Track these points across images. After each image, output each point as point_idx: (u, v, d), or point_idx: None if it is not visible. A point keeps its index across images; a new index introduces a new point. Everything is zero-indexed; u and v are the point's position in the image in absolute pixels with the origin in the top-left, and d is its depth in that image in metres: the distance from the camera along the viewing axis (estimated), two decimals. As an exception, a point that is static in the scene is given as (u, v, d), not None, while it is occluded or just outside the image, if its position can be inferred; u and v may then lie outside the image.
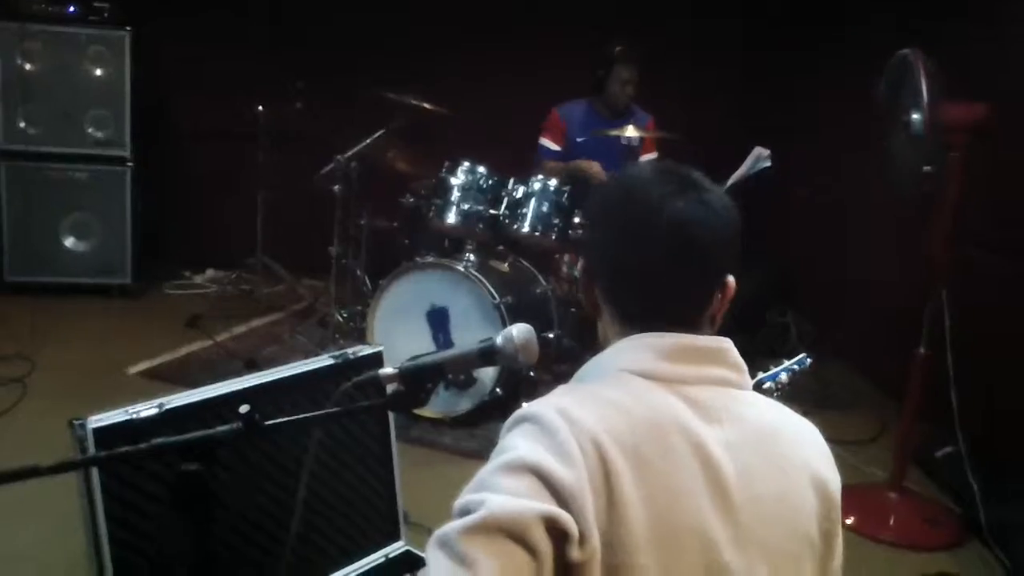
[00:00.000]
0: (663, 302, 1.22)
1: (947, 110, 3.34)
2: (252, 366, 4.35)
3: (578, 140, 4.76)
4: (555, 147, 4.78)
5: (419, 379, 1.27)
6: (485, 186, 4.12)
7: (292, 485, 2.21)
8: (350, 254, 4.74)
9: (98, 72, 5.07)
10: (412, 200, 4.57)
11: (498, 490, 1.02)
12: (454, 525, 0.99)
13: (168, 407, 2.05)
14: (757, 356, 5.04)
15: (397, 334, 3.97)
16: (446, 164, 4.17)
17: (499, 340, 1.30)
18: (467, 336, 3.86)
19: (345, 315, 4.66)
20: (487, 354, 1.29)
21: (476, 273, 3.85)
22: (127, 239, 5.27)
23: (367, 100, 4.38)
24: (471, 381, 3.83)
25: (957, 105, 3.33)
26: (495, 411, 3.97)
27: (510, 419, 1.14)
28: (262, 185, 5.07)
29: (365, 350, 2.56)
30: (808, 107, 5.10)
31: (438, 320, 3.92)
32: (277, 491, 2.21)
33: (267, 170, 5.05)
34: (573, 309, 4.42)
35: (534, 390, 4.12)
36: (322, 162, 4.52)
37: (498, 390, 3.87)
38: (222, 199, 5.69)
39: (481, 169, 4.14)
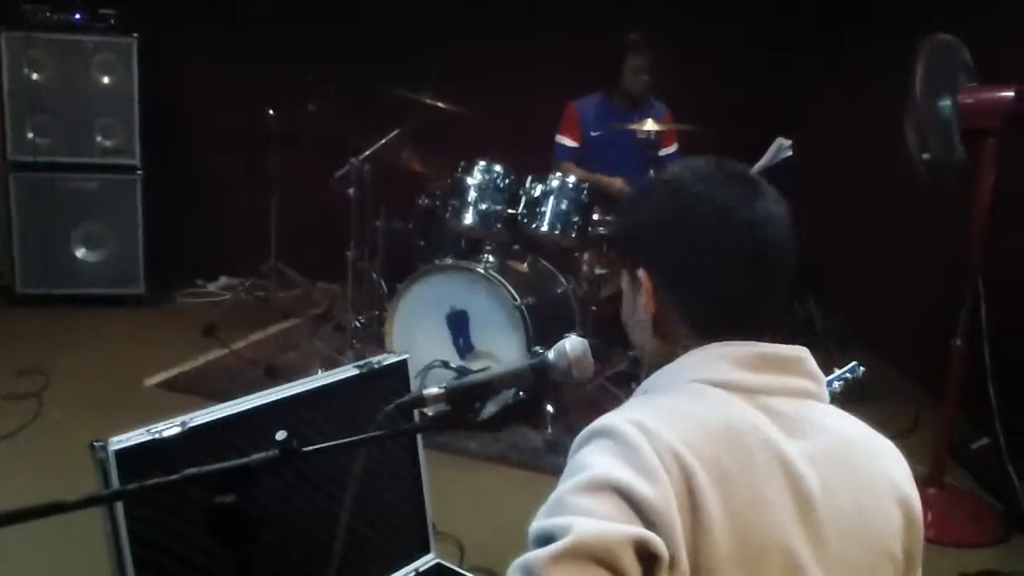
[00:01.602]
0: (739, 309, 1.16)
1: (978, 96, 3.26)
2: (272, 374, 4.30)
3: (593, 134, 4.69)
4: (572, 143, 4.71)
5: (466, 399, 1.19)
6: (502, 185, 4.04)
7: (323, 501, 2.14)
8: (366, 257, 4.67)
9: (106, 80, 5.00)
10: (427, 201, 4.50)
11: (581, 512, 0.95)
12: (539, 554, 0.92)
13: (191, 425, 1.98)
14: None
15: (417, 338, 3.89)
16: (462, 164, 4.10)
17: (551, 355, 1.22)
18: (488, 339, 3.80)
19: (363, 320, 4.58)
20: (539, 370, 1.21)
21: (496, 274, 3.78)
22: (139, 248, 5.21)
23: (380, 100, 4.30)
24: (494, 385, 3.75)
25: (988, 90, 3.25)
26: (520, 415, 3.90)
27: (581, 434, 1.07)
28: (274, 189, 5.00)
29: (390, 358, 2.49)
30: (831, 94, 5.00)
31: (458, 323, 3.84)
32: (309, 507, 2.14)
33: (279, 174, 4.97)
34: (594, 308, 4.35)
35: (558, 393, 4.05)
36: (335, 165, 4.45)
37: (522, 393, 3.79)
38: (234, 205, 5.63)
39: (497, 168, 4.06)
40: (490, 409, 3.82)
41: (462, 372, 3.75)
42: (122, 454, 1.84)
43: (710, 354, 1.13)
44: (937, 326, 3.41)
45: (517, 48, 5.35)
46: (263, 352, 4.68)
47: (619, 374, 4.21)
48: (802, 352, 1.16)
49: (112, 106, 5.03)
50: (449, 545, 2.83)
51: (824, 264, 5.15)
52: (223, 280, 5.87)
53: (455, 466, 3.54)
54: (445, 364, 3.74)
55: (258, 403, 2.11)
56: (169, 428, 1.95)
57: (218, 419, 2.04)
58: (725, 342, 1.14)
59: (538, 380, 1.21)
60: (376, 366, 2.43)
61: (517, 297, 3.71)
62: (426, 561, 2.56)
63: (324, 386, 2.28)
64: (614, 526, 0.93)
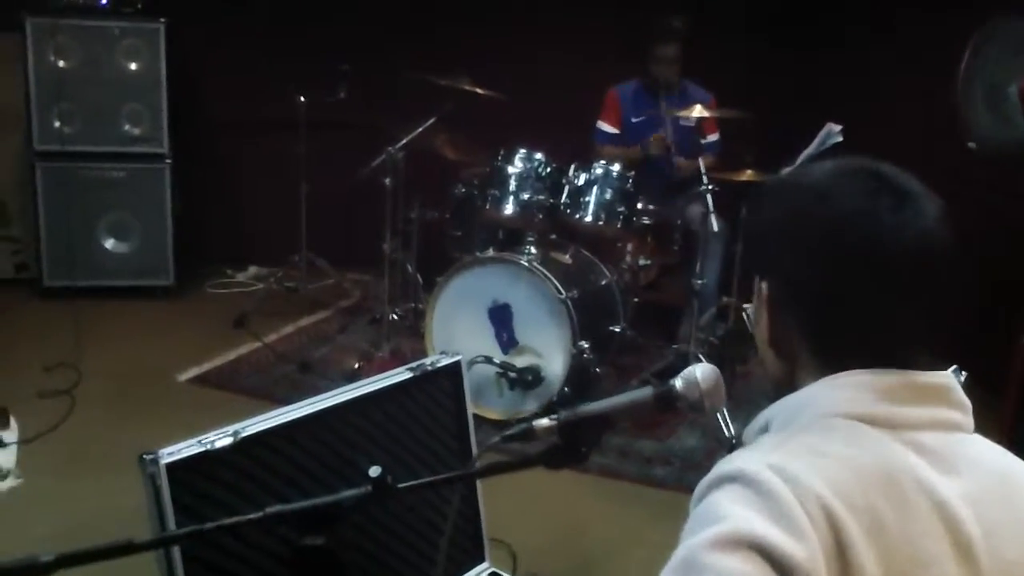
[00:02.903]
0: (875, 334, 1.01)
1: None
2: (306, 369, 4.20)
3: (633, 120, 4.58)
4: (612, 129, 4.60)
5: (579, 432, 1.06)
6: (543, 173, 3.92)
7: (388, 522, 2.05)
8: (400, 248, 4.54)
9: (132, 66, 4.87)
10: (464, 190, 4.37)
11: (717, 574, 0.83)
12: None
13: (244, 435, 1.87)
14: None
15: (457, 333, 3.78)
16: (501, 152, 3.97)
17: (679, 384, 1.09)
18: (532, 333, 3.68)
19: (399, 313, 4.46)
20: (665, 400, 1.08)
21: (539, 267, 3.65)
22: (167, 238, 5.10)
23: (414, 86, 4.17)
24: (538, 380, 3.64)
25: None
26: (563, 411, 3.77)
27: (710, 478, 0.93)
28: (304, 178, 4.88)
29: (443, 360, 2.38)
30: (873, 81, 4.83)
31: (501, 317, 3.72)
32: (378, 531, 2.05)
33: (309, 162, 4.85)
34: (636, 299, 4.23)
35: (601, 387, 3.93)
36: (366, 152, 4.33)
37: (566, 389, 3.67)
38: (263, 194, 5.50)
39: (539, 156, 3.93)
40: (532, 406, 3.71)
41: (506, 367, 3.64)
42: (173, 467, 1.74)
43: (848, 383, 0.99)
44: (990, 323, 3.27)
45: (554, 32, 5.20)
46: (295, 346, 4.58)
47: (664, 369, 4.07)
48: (949, 379, 1.02)
49: (139, 93, 4.90)
50: (500, 552, 2.72)
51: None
52: (252, 270, 5.76)
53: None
54: (488, 359, 3.63)
55: (309, 410, 2.01)
56: (220, 438, 1.84)
57: (270, 428, 1.93)
58: (865, 370, 0.99)
59: (661, 410, 1.08)
60: (429, 368, 2.33)
61: (562, 290, 3.59)
62: (482, 570, 2.47)
63: (376, 391, 2.18)
64: None
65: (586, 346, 3.63)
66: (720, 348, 4.21)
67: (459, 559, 2.42)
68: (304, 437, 2.00)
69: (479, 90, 4.08)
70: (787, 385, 1.05)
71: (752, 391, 4.26)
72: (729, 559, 0.83)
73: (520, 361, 3.66)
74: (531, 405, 3.69)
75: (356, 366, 4.14)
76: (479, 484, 2.49)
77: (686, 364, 3.86)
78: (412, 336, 4.38)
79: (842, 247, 1.00)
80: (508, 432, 1.13)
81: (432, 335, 3.85)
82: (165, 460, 1.73)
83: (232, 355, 4.41)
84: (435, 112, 4.22)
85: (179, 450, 1.77)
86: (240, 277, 5.70)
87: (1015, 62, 2.97)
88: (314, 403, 2.03)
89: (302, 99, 4.73)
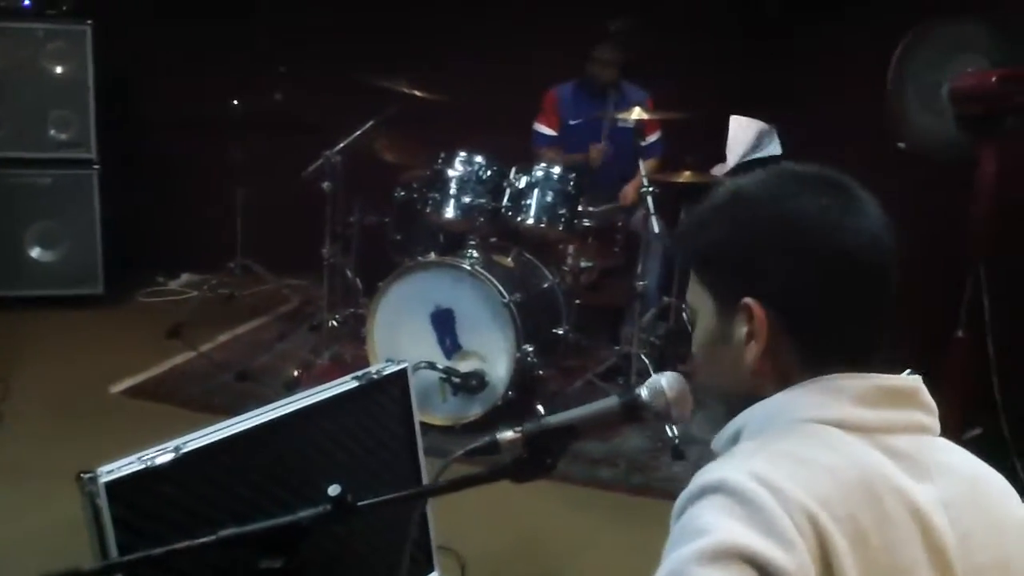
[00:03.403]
0: (854, 336, 1.02)
1: (960, 79, 3.19)
2: (244, 378, 4.11)
3: (571, 123, 4.58)
4: (549, 132, 4.60)
5: (546, 443, 1.04)
6: (484, 176, 3.90)
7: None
8: (339, 253, 4.48)
9: (59, 70, 4.73)
10: (404, 194, 4.33)
11: None
12: None
13: (185, 450, 1.81)
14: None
15: (400, 338, 3.74)
16: (442, 155, 3.93)
17: (645, 393, 1.07)
18: (476, 338, 3.65)
19: (339, 319, 4.40)
20: (630, 410, 1.06)
21: (482, 271, 3.63)
22: (97, 246, 4.95)
23: (353, 88, 4.12)
24: (483, 385, 3.61)
25: (970, 75, 3.18)
26: (508, 415, 3.76)
27: (691, 489, 0.92)
28: (240, 182, 4.78)
29: (389, 368, 2.35)
30: (810, 80, 4.90)
31: (443, 322, 3.69)
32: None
33: (245, 166, 4.76)
34: (578, 301, 4.23)
35: (545, 390, 3.92)
36: (303, 155, 4.25)
37: (511, 393, 3.66)
38: (196, 199, 5.38)
39: (479, 159, 3.91)
40: (476, 410, 3.69)
41: (449, 373, 3.60)
42: (113, 486, 1.67)
43: (822, 387, 0.99)
44: (933, 317, 3.34)
45: (495, 33, 5.18)
46: (232, 354, 4.47)
47: (608, 370, 4.09)
48: (916, 381, 1.03)
49: (66, 97, 4.76)
50: (450, 560, 2.69)
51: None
52: (185, 277, 5.64)
53: (444, 473, 3.40)
54: (431, 365, 3.59)
55: (253, 423, 1.96)
56: (161, 455, 1.78)
57: (214, 443, 1.88)
58: (838, 374, 1.00)
59: (627, 420, 1.06)
60: (375, 376, 2.29)
61: (505, 294, 3.57)
62: (430, 580, 2.44)
63: (323, 401, 2.14)
64: None
65: (530, 349, 3.62)
66: (662, 348, 4.24)
67: (408, 569, 2.39)
68: (249, 451, 1.94)
69: (419, 92, 4.04)
70: (759, 397, 1.03)
71: (695, 390, 4.29)
72: (719, 572, 0.82)
73: (464, 366, 3.63)
74: (476, 410, 3.66)
75: (295, 374, 4.07)
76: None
77: (629, 365, 3.92)
78: (353, 342, 4.32)
79: (828, 256, 1.01)
80: (472, 446, 1.10)
81: (374, 341, 3.80)
82: (104, 479, 1.66)
83: (167, 365, 4.30)
84: (375, 115, 4.17)
85: (119, 468, 1.70)
86: (173, 285, 5.57)
87: (948, 63, 3.04)
88: (258, 415, 1.98)
89: (236, 102, 4.64)
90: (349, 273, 4.52)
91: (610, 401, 1.07)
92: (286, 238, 5.18)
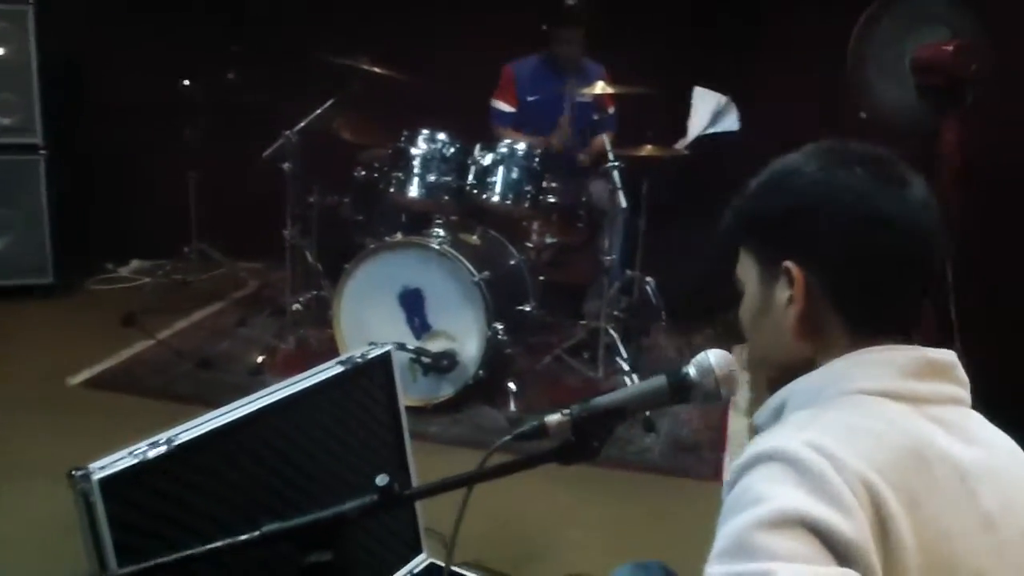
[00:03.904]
0: (901, 307, 1.05)
1: (920, 50, 3.24)
2: (206, 365, 4.04)
3: (530, 99, 4.54)
4: (508, 108, 4.54)
5: (592, 426, 1.03)
6: (448, 154, 3.86)
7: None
8: (298, 235, 4.40)
9: (0, 51, 4.55)
10: (364, 173, 4.26)
11: (776, 556, 0.81)
12: None
13: (177, 443, 1.77)
14: (720, 305, 4.96)
15: (367, 321, 3.71)
16: (404, 133, 3.89)
17: (693, 372, 1.07)
18: (445, 317, 3.63)
19: (302, 303, 4.33)
20: (679, 390, 1.06)
21: (451, 249, 3.61)
22: (45, 234, 4.79)
23: (309, 67, 4.04)
24: (454, 364, 3.60)
25: (928, 46, 3.23)
26: (479, 394, 3.75)
27: (744, 460, 0.92)
28: (193, 165, 4.67)
29: (373, 352, 2.34)
30: (770, 52, 4.92)
31: (412, 302, 3.66)
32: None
33: (198, 148, 4.64)
34: (542, 277, 4.23)
35: (515, 368, 3.92)
36: (257, 136, 4.14)
37: (481, 372, 3.65)
38: (148, 183, 5.23)
39: (442, 136, 3.88)
40: (448, 390, 3.67)
41: (420, 353, 3.58)
42: (107, 482, 1.63)
43: (870, 359, 1.01)
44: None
45: (454, 10, 5.09)
46: (192, 341, 4.39)
47: (575, 346, 4.10)
48: (953, 356, 1.05)
49: (8, 80, 4.56)
50: (433, 541, 2.68)
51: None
52: (135, 264, 5.50)
53: (418, 452, 3.36)
54: (401, 346, 3.56)
55: (243, 413, 1.93)
56: (153, 448, 1.74)
57: (205, 434, 1.84)
58: (887, 346, 1.02)
59: (675, 400, 1.06)
60: (360, 360, 2.28)
61: (475, 272, 3.55)
62: (419, 562, 2.44)
63: (309, 387, 2.11)
64: (823, 570, 0.81)
65: (500, 328, 3.61)
66: (626, 321, 4.26)
67: (397, 551, 2.38)
68: (240, 441, 1.92)
69: (378, 70, 3.98)
70: (804, 369, 1.05)
71: (658, 362, 4.34)
72: (782, 539, 0.82)
73: (434, 346, 3.61)
74: (447, 390, 3.65)
75: (260, 360, 4.01)
76: (415, 476, 2.45)
77: (596, 340, 3.93)
78: (317, 326, 4.26)
79: (865, 221, 1.03)
80: (519, 431, 1.09)
81: (341, 324, 3.76)
82: (98, 475, 1.62)
83: (125, 355, 4.20)
84: (330, 94, 4.10)
85: (112, 463, 1.66)
86: (122, 272, 5.43)
87: (910, 34, 3.08)
88: (247, 404, 1.95)
89: (187, 83, 4.52)
90: (309, 255, 4.45)
91: (658, 381, 1.06)
92: (241, 221, 5.08)
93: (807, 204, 1.05)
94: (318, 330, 4.21)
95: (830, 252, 1.04)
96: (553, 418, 1.05)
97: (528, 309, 3.97)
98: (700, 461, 3.42)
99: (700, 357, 1.09)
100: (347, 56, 3.97)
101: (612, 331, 3.93)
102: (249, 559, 1.74)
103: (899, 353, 1.02)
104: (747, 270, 1.12)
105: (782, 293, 1.06)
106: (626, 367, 3.81)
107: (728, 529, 0.86)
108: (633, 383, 3.71)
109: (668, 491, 3.25)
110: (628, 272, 4.36)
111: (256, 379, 3.85)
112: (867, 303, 1.04)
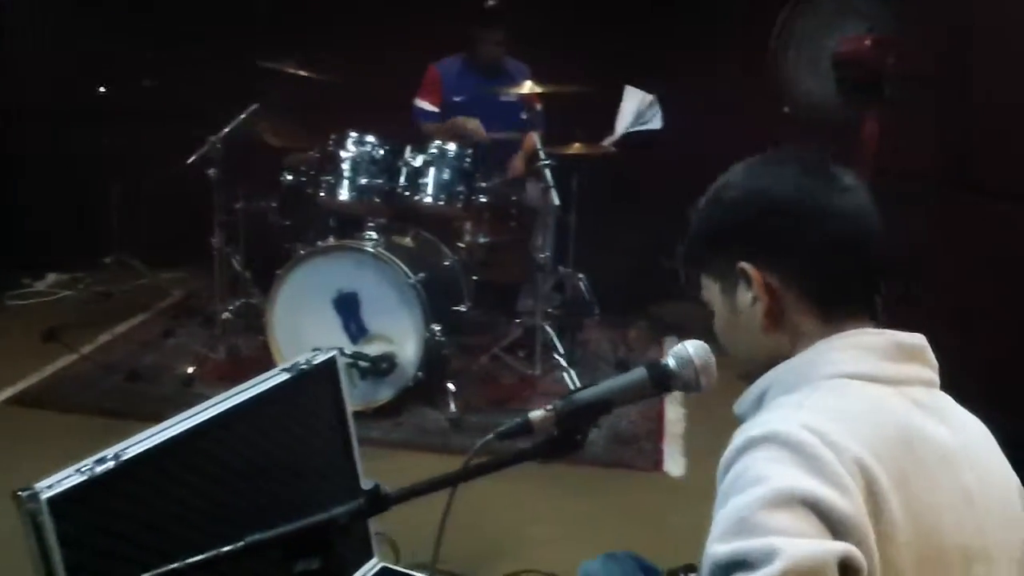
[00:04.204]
0: (862, 292, 1.10)
1: (841, 44, 3.34)
2: (135, 378, 3.93)
3: (455, 99, 4.53)
4: (431, 108, 4.52)
5: (577, 420, 1.04)
6: (378, 156, 3.83)
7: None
8: (224, 242, 4.30)
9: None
10: (291, 178, 4.20)
11: (775, 531, 0.85)
12: None
13: (125, 458, 1.73)
14: (650, 298, 5.05)
15: (302, 327, 3.66)
16: (332, 136, 3.84)
17: (673, 363, 1.09)
18: (382, 321, 3.61)
19: (232, 311, 4.25)
20: (659, 380, 1.08)
21: (386, 252, 3.58)
22: (-45, 249, 4.62)
23: (225, 69, 3.97)
24: (392, 367, 3.57)
25: (848, 39, 3.33)
26: (418, 396, 3.74)
27: (738, 443, 0.95)
28: (109, 174, 4.54)
29: (318, 357, 2.30)
30: (695, 51, 5.01)
31: (347, 307, 3.63)
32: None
33: (114, 157, 4.52)
34: (475, 277, 4.23)
35: (453, 368, 3.91)
36: (176, 143, 4.03)
37: (420, 374, 3.63)
38: (60, 194, 5.06)
39: (371, 138, 3.84)
40: (386, 393, 3.65)
41: (357, 357, 3.54)
42: (56, 502, 1.58)
43: (847, 343, 1.06)
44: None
45: (378, 12, 5.05)
46: (117, 354, 4.26)
47: (511, 344, 4.11)
48: (923, 340, 1.10)
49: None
50: (382, 544, 2.67)
51: (689, 219, 5.20)
52: (51, 277, 5.32)
53: (361, 457, 3.35)
54: (339, 352, 3.51)
55: (190, 425, 1.88)
56: (100, 464, 1.69)
57: (152, 447, 1.79)
58: (860, 330, 1.07)
59: (656, 391, 1.08)
60: (305, 366, 2.24)
61: (411, 274, 3.54)
62: (371, 567, 2.42)
63: (256, 396, 2.07)
64: (824, 545, 0.85)
65: (438, 329, 3.60)
66: (561, 317, 4.29)
67: (347, 557, 2.36)
68: (188, 454, 1.87)
69: (304, 73, 3.93)
70: (783, 358, 1.09)
71: (591, 356, 4.39)
72: (783, 517, 0.86)
73: (371, 350, 3.58)
74: (385, 393, 3.63)
75: (190, 370, 3.92)
76: (361, 477, 2.43)
77: (533, 337, 3.95)
78: (247, 334, 4.19)
79: (812, 215, 1.08)
80: (504, 428, 1.09)
81: (275, 331, 3.70)
82: (46, 495, 1.57)
83: (48, 370, 4.06)
84: (251, 98, 4.03)
85: (58, 481, 1.61)
86: (39, 286, 5.25)
87: (830, 29, 3.17)
88: (192, 416, 1.91)
89: (103, 89, 4.39)
90: (236, 263, 4.36)
91: (638, 373, 1.08)
92: (160, 231, 4.98)
93: (747, 210, 1.12)
94: (249, 338, 4.15)
95: (778, 248, 1.09)
96: (537, 414, 1.06)
97: (463, 309, 3.97)
98: (640, 453, 3.47)
99: (678, 348, 1.11)
100: (271, 59, 3.90)
101: (548, 328, 3.96)
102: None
103: (874, 337, 1.06)
104: (710, 289, 1.18)
105: (744, 296, 1.11)
106: (563, 363, 3.83)
107: (729, 509, 0.89)
108: (572, 378, 3.75)
109: (613, 484, 3.29)
110: (561, 269, 4.39)
111: (187, 390, 3.77)
112: (826, 290, 1.09)
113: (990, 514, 1.02)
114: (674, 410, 3.80)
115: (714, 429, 3.52)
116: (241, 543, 0.92)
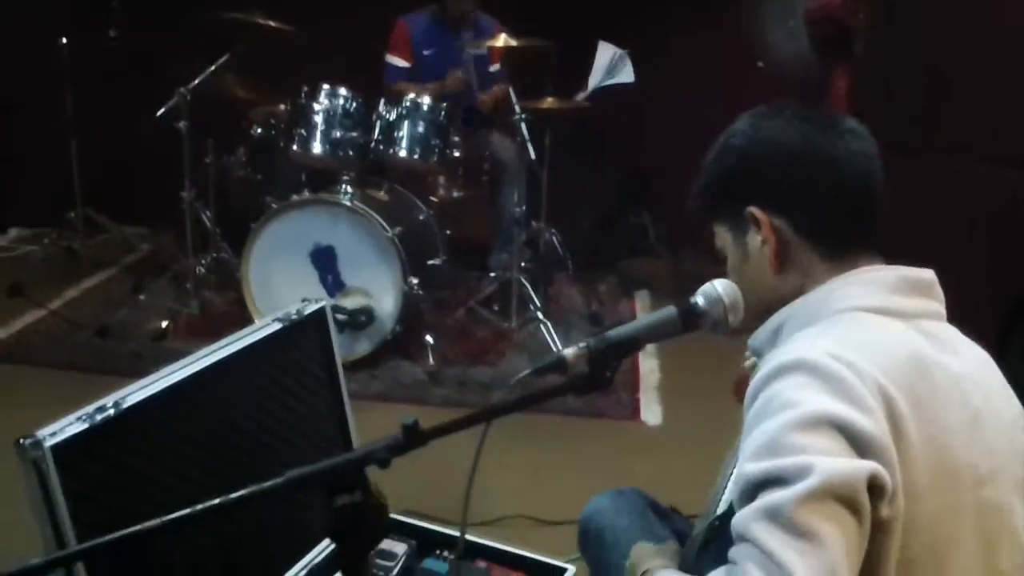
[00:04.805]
0: (868, 230, 1.16)
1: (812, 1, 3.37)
2: (105, 334, 3.89)
3: (425, 53, 4.50)
4: (403, 63, 4.47)
5: (608, 358, 1.08)
6: (351, 110, 3.79)
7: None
8: (193, 197, 4.24)
9: None
10: (261, 131, 4.15)
11: (807, 451, 0.90)
12: (787, 496, 0.88)
13: (125, 406, 1.73)
14: (619, 254, 5.09)
15: (278, 281, 3.66)
16: (304, 89, 3.80)
17: (702, 301, 1.12)
18: (360, 274, 3.61)
19: (204, 266, 4.21)
20: (688, 320, 1.11)
21: (362, 206, 3.57)
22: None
23: (196, 21, 3.89)
24: (371, 320, 3.58)
25: None
26: (396, 350, 3.76)
27: (766, 372, 1.00)
28: (73, 129, 4.44)
29: (309, 307, 2.31)
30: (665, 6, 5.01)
31: (324, 260, 3.62)
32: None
33: (76, 111, 4.42)
34: (448, 232, 4.24)
35: (429, 321, 3.94)
36: (141, 97, 3.96)
37: (398, 327, 3.65)
38: (23, 149, 4.96)
39: (343, 91, 3.79)
40: (365, 347, 3.66)
41: (336, 310, 3.54)
42: (59, 449, 1.58)
43: (858, 280, 1.11)
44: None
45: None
46: (86, 310, 4.20)
47: (487, 298, 4.14)
48: (932, 274, 1.15)
49: None
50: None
51: (655, 175, 5.25)
52: (14, 232, 5.23)
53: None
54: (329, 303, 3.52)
55: (185, 374, 1.89)
56: (101, 412, 1.69)
57: (151, 396, 1.80)
58: (872, 267, 1.12)
59: (686, 329, 1.11)
60: (296, 316, 2.25)
61: (388, 228, 3.54)
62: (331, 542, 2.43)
63: (248, 346, 2.08)
64: (855, 463, 0.90)
65: (415, 282, 3.61)
66: (533, 271, 4.32)
67: (307, 532, 2.36)
68: (185, 402, 1.88)
69: (273, 24, 3.86)
70: (794, 297, 1.15)
71: (563, 310, 4.43)
72: (813, 437, 0.91)
73: (349, 303, 3.58)
74: (364, 346, 3.64)
75: (164, 325, 3.89)
76: (356, 437, 2.45)
77: (508, 291, 3.98)
78: (221, 289, 4.17)
79: (815, 158, 1.14)
80: (538, 365, 1.13)
81: (250, 285, 3.68)
82: (49, 442, 1.57)
83: (16, 326, 4.01)
84: (224, 50, 3.97)
85: (61, 429, 1.61)
86: (2, 241, 5.16)
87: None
88: (189, 363, 1.91)
89: (64, 41, 4.28)
90: (206, 217, 4.32)
91: (668, 312, 1.11)
92: (126, 185, 4.91)
93: (752, 156, 1.17)
94: (221, 293, 4.12)
95: (786, 192, 1.15)
96: (571, 351, 1.09)
97: (439, 263, 3.97)
98: (617, 402, 3.52)
99: (707, 287, 1.15)
100: (238, 10, 3.84)
101: (525, 281, 3.99)
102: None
103: (885, 272, 1.11)
104: (722, 236, 1.23)
105: (754, 239, 1.17)
106: (540, 316, 3.87)
107: (760, 432, 0.94)
108: (549, 331, 3.79)
109: (589, 432, 3.34)
110: (533, 224, 4.41)
111: (160, 345, 3.74)
112: (834, 231, 1.14)
113: (998, 434, 1.08)
114: (648, 363, 3.86)
115: (687, 381, 3.63)
116: (281, 479, 0.94)
